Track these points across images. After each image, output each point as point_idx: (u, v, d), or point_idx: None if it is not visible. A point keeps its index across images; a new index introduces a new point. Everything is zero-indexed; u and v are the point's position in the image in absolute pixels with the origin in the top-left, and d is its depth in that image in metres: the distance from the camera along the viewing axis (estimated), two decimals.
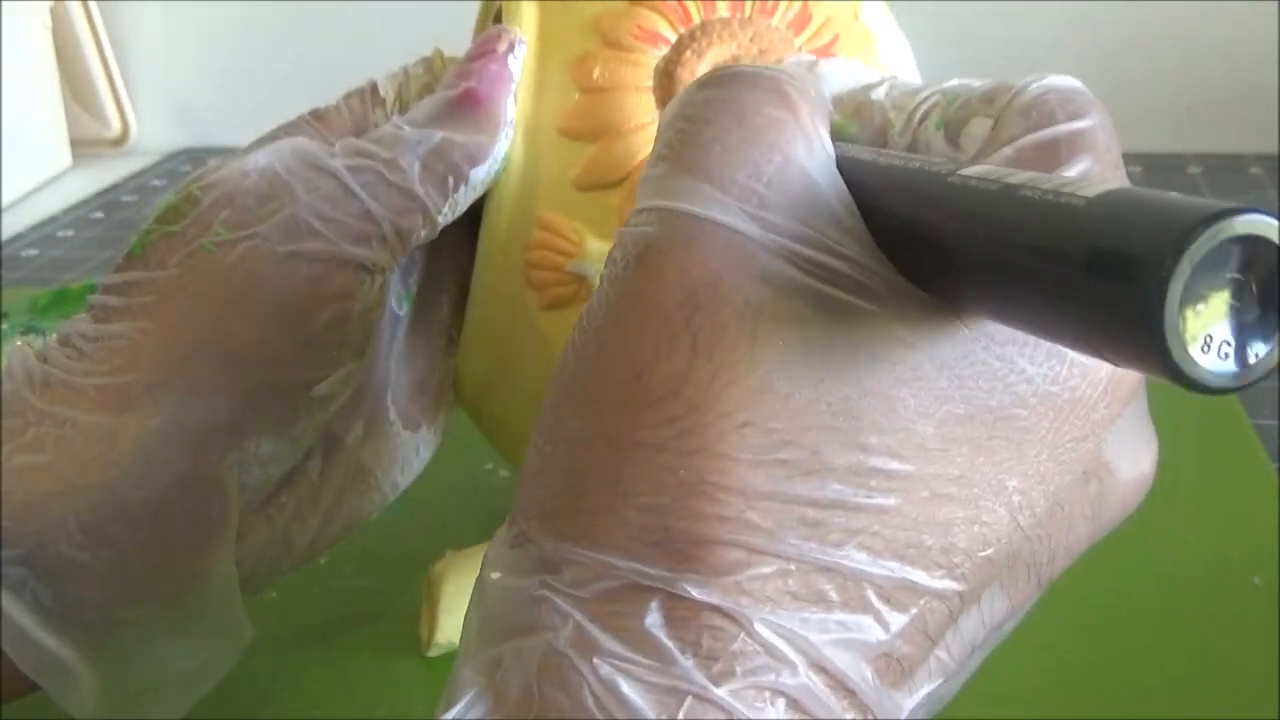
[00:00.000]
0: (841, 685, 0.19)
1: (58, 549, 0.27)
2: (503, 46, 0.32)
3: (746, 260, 0.20)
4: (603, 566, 0.19)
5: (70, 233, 0.82)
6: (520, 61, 0.33)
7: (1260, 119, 0.83)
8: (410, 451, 0.35)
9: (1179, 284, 0.15)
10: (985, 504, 0.20)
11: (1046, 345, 0.20)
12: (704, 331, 0.19)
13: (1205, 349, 0.16)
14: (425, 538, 0.44)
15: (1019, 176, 0.18)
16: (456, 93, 0.31)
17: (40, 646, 0.27)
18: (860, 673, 0.19)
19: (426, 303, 0.36)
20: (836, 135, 0.26)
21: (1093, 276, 0.16)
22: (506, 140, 0.32)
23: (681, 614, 0.19)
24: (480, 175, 0.31)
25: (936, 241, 0.19)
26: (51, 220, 0.84)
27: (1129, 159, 0.23)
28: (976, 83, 0.25)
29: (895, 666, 0.20)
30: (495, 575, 0.21)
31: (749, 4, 0.33)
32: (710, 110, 0.21)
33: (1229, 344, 0.16)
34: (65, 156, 0.93)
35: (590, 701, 0.18)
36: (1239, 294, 0.16)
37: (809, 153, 0.21)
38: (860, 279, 0.20)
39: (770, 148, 0.21)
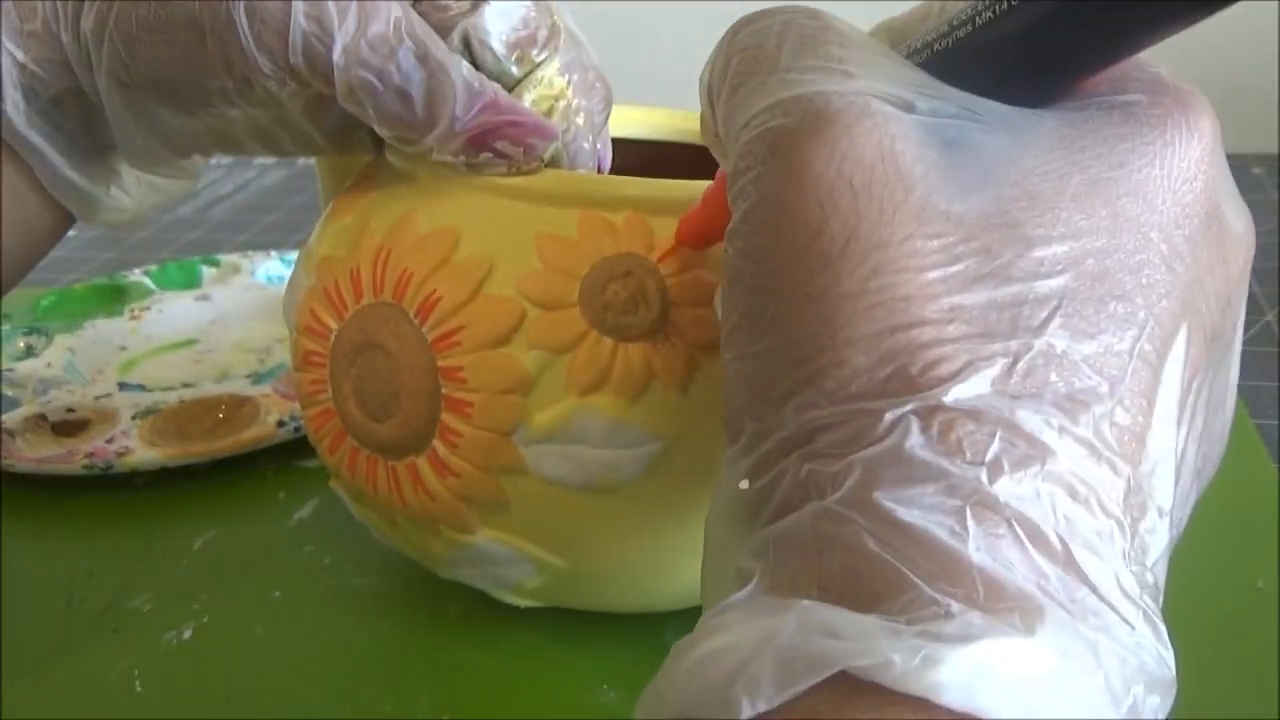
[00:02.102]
0: (1097, 456, 0.20)
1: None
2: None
3: (865, 111, 0.21)
4: (851, 414, 0.21)
5: (72, 232, 0.82)
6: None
7: (1260, 119, 0.83)
8: None
9: None
10: (1141, 258, 0.22)
11: (1120, 109, 0.22)
12: (856, 175, 0.21)
13: None
14: None
15: None
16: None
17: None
18: (1104, 439, 0.20)
19: None
20: None
21: None
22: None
23: (938, 431, 0.20)
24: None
25: (1011, 52, 0.22)
26: None
27: None
28: None
29: (1128, 435, 0.21)
30: (745, 484, 0.22)
31: None
32: (758, 35, 0.24)
33: None
34: None
35: (871, 543, 0.19)
36: None
37: (862, 37, 0.23)
38: (958, 107, 0.22)
39: (827, 42, 0.23)
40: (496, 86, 0.33)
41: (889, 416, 0.20)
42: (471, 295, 0.32)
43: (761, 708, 0.18)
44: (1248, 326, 0.60)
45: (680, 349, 0.31)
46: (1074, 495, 0.20)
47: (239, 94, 0.34)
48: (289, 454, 0.51)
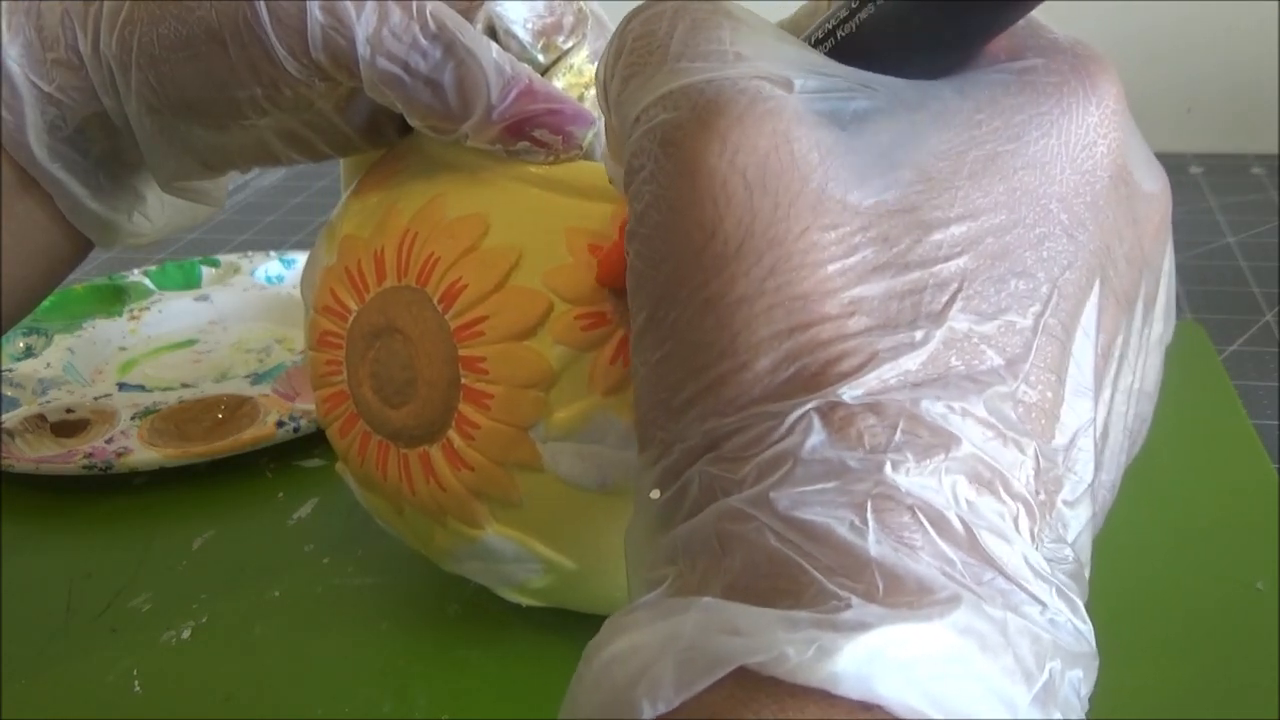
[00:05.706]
0: (1002, 438, 0.20)
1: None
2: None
3: (756, 98, 0.21)
4: (752, 418, 0.20)
5: None
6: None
7: (1260, 119, 0.83)
8: None
9: None
10: (1041, 231, 0.21)
11: (1016, 79, 0.22)
12: (750, 167, 0.20)
13: None
14: None
15: None
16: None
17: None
18: (1007, 419, 0.20)
19: None
20: None
21: None
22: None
23: (838, 426, 0.20)
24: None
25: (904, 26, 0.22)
26: None
27: None
28: None
29: (1036, 412, 0.21)
30: (655, 494, 0.22)
31: None
32: (649, 23, 0.23)
33: None
34: None
35: (773, 540, 0.19)
36: None
37: (756, 19, 0.23)
38: (853, 85, 0.22)
39: (718, 26, 0.22)
40: (529, 70, 0.32)
41: (791, 417, 0.20)
42: (498, 285, 0.32)
43: (661, 709, 0.17)
44: (1247, 327, 0.60)
45: None
46: (979, 480, 0.20)
47: (269, 100, 0.33)
48: (288, 454, 0.51)
